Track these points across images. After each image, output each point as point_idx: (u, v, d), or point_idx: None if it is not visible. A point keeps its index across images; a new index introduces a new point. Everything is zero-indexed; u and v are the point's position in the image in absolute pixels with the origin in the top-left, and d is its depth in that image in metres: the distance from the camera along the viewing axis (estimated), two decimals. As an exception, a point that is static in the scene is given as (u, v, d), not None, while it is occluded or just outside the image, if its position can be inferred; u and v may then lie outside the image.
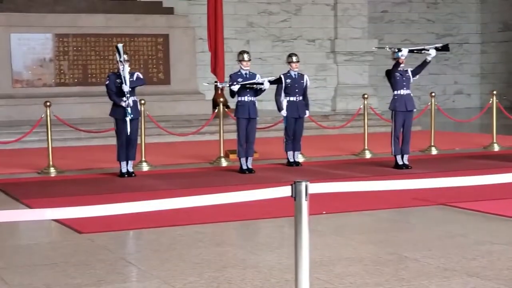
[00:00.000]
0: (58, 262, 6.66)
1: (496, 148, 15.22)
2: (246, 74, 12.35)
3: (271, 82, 12.37)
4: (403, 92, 12.31)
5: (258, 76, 12.39)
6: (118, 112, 11.80)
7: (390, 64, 12.53)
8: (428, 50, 12.12)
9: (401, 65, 12.20)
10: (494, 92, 15.84)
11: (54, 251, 7.11)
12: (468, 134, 18.58)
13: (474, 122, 20.11)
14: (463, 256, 6.59)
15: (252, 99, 12.29)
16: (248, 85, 12.14)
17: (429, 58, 12.21)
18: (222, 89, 14.49)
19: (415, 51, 12.29)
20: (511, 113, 16.84)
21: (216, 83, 14.93)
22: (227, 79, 12.93)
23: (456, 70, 29.44)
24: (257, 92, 12.28)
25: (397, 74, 12.27)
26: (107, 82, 11.84)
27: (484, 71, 29.57)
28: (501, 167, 12.13)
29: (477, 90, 29.76)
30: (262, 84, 12.17)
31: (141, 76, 12.02)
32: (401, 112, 12.30)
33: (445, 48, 12.38)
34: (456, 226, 7.94)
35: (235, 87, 12.11)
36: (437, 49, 12.23)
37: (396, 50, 12.14)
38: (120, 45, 11.68)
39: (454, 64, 29.38)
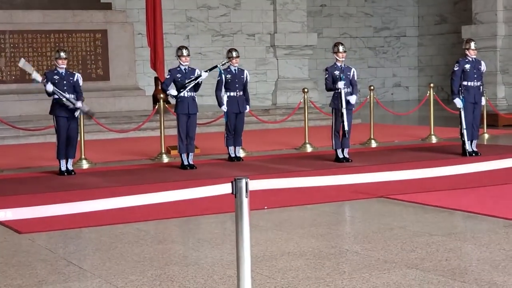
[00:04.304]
0: (-2, 263, 6.59)
1: (433, 140, 15.45)
2: (185, 69, 12.34)
3: (208, 71, 12.46)
4: (343, 90, 12.38)
5: (197, 70, 12.40)
6: (58, 110, 11.71)
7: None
8: None
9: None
10: (431, 85, 16.07)
11: (-7, 252, 7.03)
12: (407, 127, 18.82)
13: (412, 115, 20.38)
14: (402, 248, 6.69)
15: (192, 95, 12.29)
16: (187, 84, 12.15)
17: None
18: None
19: None
20: (448, 105, 17.09)
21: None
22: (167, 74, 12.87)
23: (394, 63, 29.79)
24: (196, 87, 12.32)
25: (336, 73, 12.40)
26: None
27: (422, 63, 29.96)
28: (438, 159, 12.33)
29: (415, 82, 30.15)
30: (200, 76, 12.20)
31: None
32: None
33: None
34: (395, 218, 8.05)
35: (174, 92, 12.15)
36: None
37: None
38: None
39: (392, 57, 29.72)
